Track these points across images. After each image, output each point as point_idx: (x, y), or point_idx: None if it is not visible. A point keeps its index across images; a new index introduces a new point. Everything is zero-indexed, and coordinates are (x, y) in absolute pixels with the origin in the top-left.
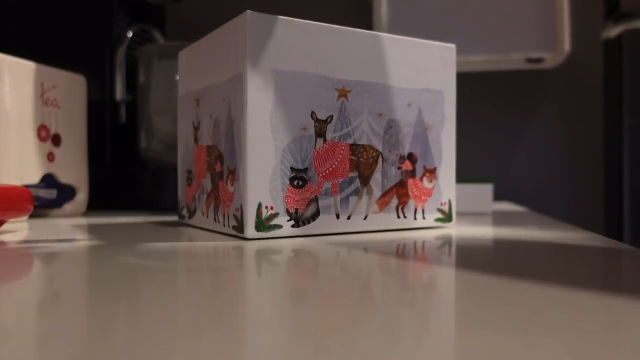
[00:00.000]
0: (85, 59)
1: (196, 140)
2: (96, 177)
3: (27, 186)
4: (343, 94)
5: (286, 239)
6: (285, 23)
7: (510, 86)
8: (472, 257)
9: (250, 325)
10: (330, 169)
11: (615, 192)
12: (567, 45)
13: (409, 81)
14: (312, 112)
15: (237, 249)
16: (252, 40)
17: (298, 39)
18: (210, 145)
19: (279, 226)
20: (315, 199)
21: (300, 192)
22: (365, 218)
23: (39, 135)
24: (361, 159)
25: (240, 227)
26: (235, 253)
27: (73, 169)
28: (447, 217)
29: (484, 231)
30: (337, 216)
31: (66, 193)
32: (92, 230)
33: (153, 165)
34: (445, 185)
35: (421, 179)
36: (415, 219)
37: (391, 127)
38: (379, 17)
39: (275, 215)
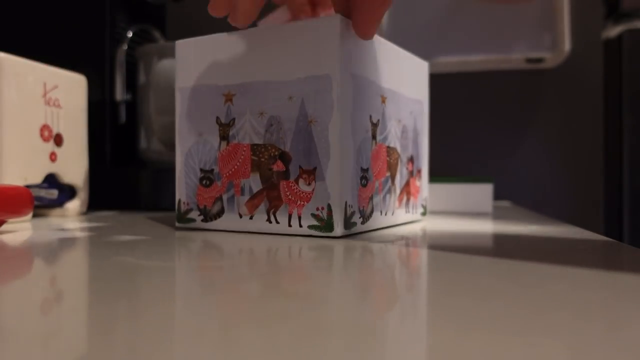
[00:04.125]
0: (85, 59)
1: (225, 137)
2: (96, 177)
3: (29, 186)
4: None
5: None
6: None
7: (510, 86)
8: (471, 257)
9: (251, 324)
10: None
11: (615, 192)
12: (567, 45)
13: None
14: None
15: (246, 248)
16: (343, 44)
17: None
18: (260, 144)
19: (355, 223)
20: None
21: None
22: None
23: (42, 135)
24: (262, 159)
25: (327, 226)
26: (245, 252)
27: (74, 169)
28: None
29: (484, 231)
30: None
31: (67, 193)
32: (92, 230)
33: (153, 165)
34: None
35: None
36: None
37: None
38: None
39: (353, 213)
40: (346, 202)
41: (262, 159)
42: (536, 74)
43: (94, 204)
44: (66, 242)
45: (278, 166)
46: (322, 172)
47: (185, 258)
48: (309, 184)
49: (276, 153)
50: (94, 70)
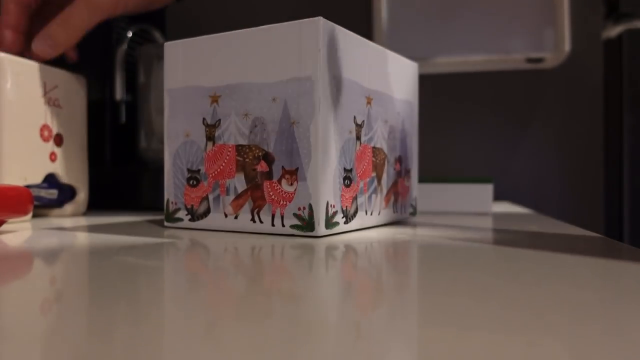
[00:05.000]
0: (85, 59)
1: (211, 138)
2: (96, 177)
3: (29, 186)
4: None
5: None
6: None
7: (510, 86)
8: (466, 257)
9: (250, 324)
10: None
11: (615, 192)
12: (567, 45)
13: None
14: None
15: (244, 247)
16: (325, 46)
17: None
18: (244, 145)
19: (338, 223)
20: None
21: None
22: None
23: (41, 135)
24: (247, 160)
25: (309, 226)
26: (243, 252)
27: (74, 169)
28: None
29: (485, 231)
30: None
31: (67, 193)
32: (92, 230)
33: (153, 165)
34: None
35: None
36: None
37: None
38: (379, 17)
39: (336, 213)
40: (328, 202)
41: (247, 160)
42: (536, 74)
43: (94, 204)
44: (66, 242)
45: (262, 167)
46: (303, 173)
47: (180, 258)
48: (292, 184)
49: (260, 154)
50: (94, 70)
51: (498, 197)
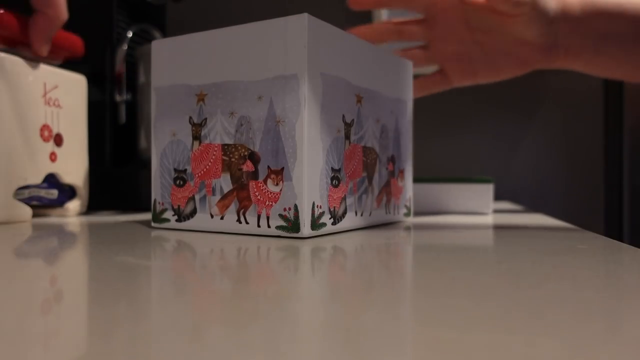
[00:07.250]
0: (85, 59)
1: (197, 137)
2: (96, 177)
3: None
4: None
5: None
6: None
7: (511, 86)
8: (462, 257)
9: (251, 325)
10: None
11: (615, 192)
12: None
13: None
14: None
15: (240, 249)
16: (311, 43)
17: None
18: (230, 144)
19: (325, 224)
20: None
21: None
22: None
23: (42, 135)
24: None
25: (294, 227)
26: (239, 253)
27: (74, 169)
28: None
29: (484, 231)
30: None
31: (67, 193)
32: (92, 230)
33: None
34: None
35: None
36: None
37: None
38: (379, 17)
39: (322, 214)
40: (314, 203)
41: (233, 159)
42: (536, 74)
43: (94, 204)
44: (66, 242)
45: (247, 166)
46: (289, 172)
47: (186, 259)
48: (277, 184)
49: (246, 153)
50: (94, 70)
51: (498, 197)
